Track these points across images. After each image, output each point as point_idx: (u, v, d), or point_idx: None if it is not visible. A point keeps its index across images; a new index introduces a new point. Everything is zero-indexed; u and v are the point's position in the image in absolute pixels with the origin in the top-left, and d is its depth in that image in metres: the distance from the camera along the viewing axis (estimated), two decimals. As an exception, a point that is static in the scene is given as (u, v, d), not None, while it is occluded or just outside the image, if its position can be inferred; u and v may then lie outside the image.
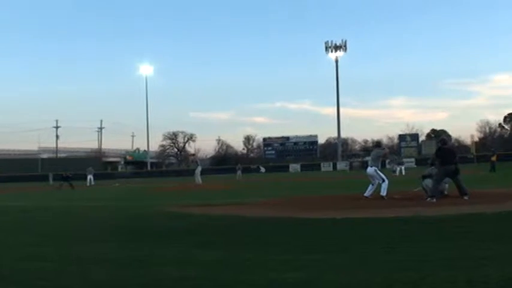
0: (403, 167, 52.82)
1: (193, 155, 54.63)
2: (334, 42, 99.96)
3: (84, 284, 6.83)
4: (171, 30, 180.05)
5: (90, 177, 56.22)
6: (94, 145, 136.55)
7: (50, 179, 60.28)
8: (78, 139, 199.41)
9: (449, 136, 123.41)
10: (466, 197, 17.09)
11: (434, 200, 16.83)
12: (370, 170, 19.55)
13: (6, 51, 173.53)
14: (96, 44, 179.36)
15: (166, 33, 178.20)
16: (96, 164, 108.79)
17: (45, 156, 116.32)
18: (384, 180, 18.87)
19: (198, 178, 39.82)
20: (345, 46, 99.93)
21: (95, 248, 9.90)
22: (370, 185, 19.29)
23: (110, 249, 9.78)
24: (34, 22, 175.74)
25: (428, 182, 18.10)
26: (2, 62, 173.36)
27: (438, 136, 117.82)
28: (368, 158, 20.95)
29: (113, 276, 7.15)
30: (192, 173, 47.63)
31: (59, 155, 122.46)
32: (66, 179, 49.26)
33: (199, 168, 40.83)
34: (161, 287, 6.54)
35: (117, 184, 55.52)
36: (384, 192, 18.63)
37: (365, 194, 19.10)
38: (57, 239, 11.72)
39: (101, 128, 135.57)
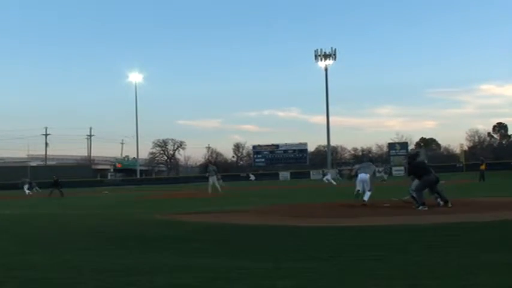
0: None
1: (211, 162, 54.26)
2: (323, 51, 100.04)
3: None
4: (160, 38, 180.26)
5: (26, 186, 55.54)
6: (83, 152, 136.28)
7: (25, 187, 57.19)
8: (68, 147, 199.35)
9: (438, 145, 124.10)
10: (449, 205, 17.39)
11: (426, 208, 16.91)
12: (365, 176, 20.21)
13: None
14: (86, 51, 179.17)
15: (156, 41, 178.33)
16: (86, 172, 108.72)
17: (34, 164, 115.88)
18: (370, 190, 19.66)
19: (216, 185, 39.25)
20: (335, 55, 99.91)
21: (83, 256, 9.83)
22: (361, 190, 20.02)
23: (99, 257, 9.72)
24: (23, 29, 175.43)
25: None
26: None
27: (427, 145, 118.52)
28: (357, 166, 21.23)
29: (102, 284, 7.13)
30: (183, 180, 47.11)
31: (48, 162, 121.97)
32: (56, 184, 48.98)
33: (214, 178, 40.08)
34: None
35: (106, 192, 55.35)
36: (367, 198, 19.39)
37: (365, 198, 19.58)
38: (44, 247, 11.63)
39: (90, 136, 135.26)
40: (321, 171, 59.71)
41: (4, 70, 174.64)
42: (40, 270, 8.42)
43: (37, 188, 66.54)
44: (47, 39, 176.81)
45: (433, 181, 17.90)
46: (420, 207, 17.04)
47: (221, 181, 65.63)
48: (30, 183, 55.61)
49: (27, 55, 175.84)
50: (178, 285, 6.87)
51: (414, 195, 17.75)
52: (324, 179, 54.28)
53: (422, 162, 19.15)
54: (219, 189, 37.83)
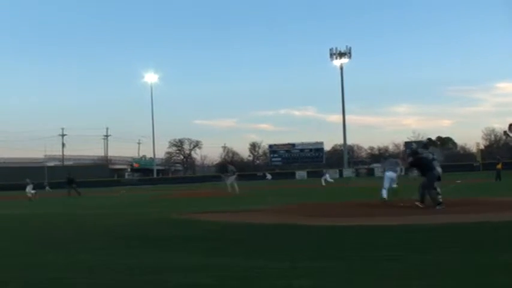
0: None
1: (230, 163, 54.23)
2: (338, 49, 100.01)
3: None
4: (176, 38, 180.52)
5: (30, 187, 55.42)
6: (100, 153, 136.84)
7: (28, 188, 54.55)
8: (85, 147, 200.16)
9: (454, 144, 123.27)
10: (421, 205, 17.44)
11: (444, 206, 16.82)
12: (392, 174, 20.59)
13: (11, 59, 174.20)
14: (102, 52, 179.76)
15: (171, 41, 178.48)
16: (103, 172, 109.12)
17: (51, 164, 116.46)
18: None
19: (234, 185, 39.19)
20: (350, 53, 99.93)
21: (98, 255, 9.91)
22: (384, 189, 19.99)
23: (114, 256, 9.78)
24: (39, 30, 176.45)
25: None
26: (8, 71, 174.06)
27: (444, 144, 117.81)
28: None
29: (120, 284, 7.16)
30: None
31: (65, 162, 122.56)
32: (71, 182, 49.06)
33: (233, 177, 40.03)
34: None
35: (123, 191, 55.51)
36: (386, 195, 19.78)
37: (384, 197, 19.88)
38: (58, 246, 11.70)
39: (107, 136, 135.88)
40: (323, 171, 59.32)
41: (21, 71, 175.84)
42: (52, 270, 8.48)
43: (49, 188, 66.88)
44: (63, 40, 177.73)
45: (438, 175, 17.90)
46: (438, 207, 16.96)
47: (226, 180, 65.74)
48: (33, 184, 55.59)
49: (44, 56, 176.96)
50: (194, 284, 6.88)
51: (430, 194, 17.67)
52: (322, 179, 53.75)
53: (426, 158, 18.89)
54: (237, 189, 37.83)
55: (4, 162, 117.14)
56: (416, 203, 17.41)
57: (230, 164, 47.89)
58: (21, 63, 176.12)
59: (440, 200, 17.30)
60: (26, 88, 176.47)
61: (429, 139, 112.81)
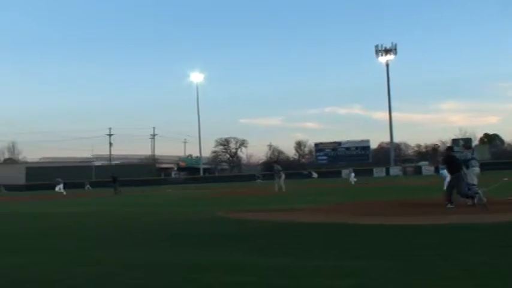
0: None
1: (277, 162, 54.65)
2: (384, 46, 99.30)
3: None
4: (221, 38, 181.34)
5: (60, 186, 55.92)
6: (147, 152, 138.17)
7: (59, 187, 56.36)
8: (132, 146, 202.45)
9: (502, 140, 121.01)
10: (451, 205, 17.07)
11: (454, 206, 16.69)
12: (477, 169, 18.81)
13: (60, 61, 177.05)
14: (148, 52, 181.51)
15: (216, 41, 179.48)
16: (150, 171, 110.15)
17: (98, 163, 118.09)
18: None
19: (281, 184, 39.31)
20: (395, 49, 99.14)
21: (147, 253, 9.99)
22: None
23: (163, 254, 9.86)
24: (86, 32, 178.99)
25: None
26: (56, 72, 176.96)
27: (491, 141, 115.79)
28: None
29: (166, 282, 7.19)
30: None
31: (112, 162, 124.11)
32: (114, 181, 49.67)
33: (281, 176, 40.18)
34: None
35: (170, 190, 55.93)
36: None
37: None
38: (109, 244, 11.89)
39: (153, 135, 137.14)
40: (348, 170, 58.99)
41: (69, 72, 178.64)
42: (105, 266, 8.58)
43: (89, 187, 67.71)
44: (110, 41, 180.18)
45: (460, 178, 17.58)
46: (448, 205, 16.79)
47: (260, 180, 65.97)
48: (64, 183, 56.32)
49: (92, 57, 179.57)
50: (237, 283, 6.90)
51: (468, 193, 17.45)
52: (349, 176, 53.72)
53: (455, 156, 18.51)
54: (283, 188, 37.84)
55: (53, 162, 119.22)
56: (447, 204, 17.13)
57: (276, 163, 48.00)
58: (69, 65, 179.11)
59: (484, 199, 17.05)
60: (74, 89, 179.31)
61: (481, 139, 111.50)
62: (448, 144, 20.97)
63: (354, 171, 71.21)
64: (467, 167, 17.91)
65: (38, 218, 21.74)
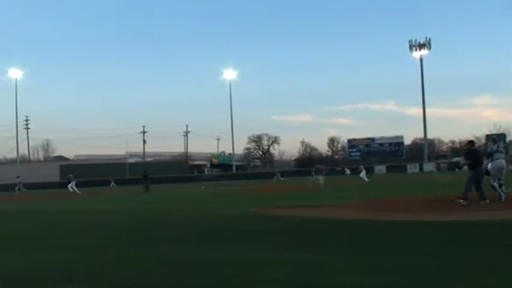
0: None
1: (320, 162, 54.41)
2: (418, 41, 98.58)
3: (168, 285, 6.93)
4: (254, 35, 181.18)
5: (73, 183, 55.31)
6: (180, 149, 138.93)
7: (71, 184, 54.21)
8: (165, 143, 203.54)
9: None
10: (485, 201, 16.82)
11: (468, 203, 16.47)
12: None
13: (94, 59, 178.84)
14: (181, 49, 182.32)
15: (249, 38, 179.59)
16: (183, 168, 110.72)
17: (132, 160, 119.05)
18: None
19: (320, 181, 39.55)
20: (429, 44, 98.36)
21: (179, 250, 10.07)
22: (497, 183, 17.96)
23: (194, 250, 9.92)
24: (119, 29, 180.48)
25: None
26: (90, 70, 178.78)
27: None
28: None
29: (197, 278, 7.22)
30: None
31: (146, 159, 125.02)
32: (146, 178, 49.86)
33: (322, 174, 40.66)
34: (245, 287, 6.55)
35: (203, 187, 56.19)
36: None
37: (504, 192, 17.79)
38: (140, 240, 11.97)
39: (186, 132, 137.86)
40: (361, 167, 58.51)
41: (102, 70, 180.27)
42: (136, 262, 8.67)
43: (114, 184, 68.13)
44: (143, 40, 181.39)
45: (483, 173, 17.47)
46: (461, 201, 16.65)
47: (278, 175, 65.92)
48: (76, 180, 55.97)
49: (125, 55, 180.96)
50: (274, 279, 6.87)
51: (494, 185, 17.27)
52: (363, 176, 53.45)
53: (478, 151, 18.22)
54: (321, 185, 38.03)
55: (87, 160, 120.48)
56: (481, 200, 16.94)
57: (320, 164, 48.16)
58: (103, 62, 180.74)
59: (502, 194, 16.85)
60: (109, 87, 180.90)
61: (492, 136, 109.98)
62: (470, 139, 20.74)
63: (388, 167, 71.08)
64: (492, 160, 17.77)
65: (65, 216, 22.02)
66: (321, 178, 39.78)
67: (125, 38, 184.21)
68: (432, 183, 38.16)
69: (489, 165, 18.02)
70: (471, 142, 19.00)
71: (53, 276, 7.75)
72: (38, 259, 9.55)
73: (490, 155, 18.08)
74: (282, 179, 65.60)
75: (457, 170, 18.21)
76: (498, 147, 18.29)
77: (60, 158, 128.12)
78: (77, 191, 50.35)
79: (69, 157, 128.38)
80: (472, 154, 17.83)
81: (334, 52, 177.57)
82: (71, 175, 55.54)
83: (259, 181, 70.60)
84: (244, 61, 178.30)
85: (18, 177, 63.36)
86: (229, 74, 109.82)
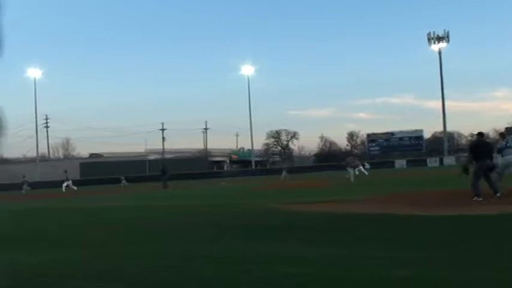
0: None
1: (352, 154, 54.34)
2: (436, 34, 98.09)
3: (194, 281, 6.99)
4: (271, 30, 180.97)
5: (68, 183, 55.80)
6: (200, 145, 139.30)
7: (66, 183, 55.48)
8: (184, 140, 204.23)
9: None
10: (498, 195, 16.70)
11: (481, 199, 16.32)
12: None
13: (115, 56, 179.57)
14: (199, 46, 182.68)
15: (266, 33, 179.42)
16: (203, 164, 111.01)
17: (152, 157, 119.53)
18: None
19: (352, 174, 39.67)
20: (448, 37, 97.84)
21: (202, 246, 10.13)
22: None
23: (218, 246, 9.99)
24: (142, 26, 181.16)
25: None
26: (109, 67, 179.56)
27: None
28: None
29: (222, 274, 7.31)
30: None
31: (165, 156, 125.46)
32: (164, 173, 49.96)
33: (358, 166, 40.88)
34: (269, 284, 6.60)
35: (223, 183, 56.31)
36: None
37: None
38: (164, 236, 12.16)
39: (205, 129, 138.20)
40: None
41: (122, 67, 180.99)
42: (153, 259, 8.76)
43: (125, 182, 68.32)
44: (159, 36, 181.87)
45: (490, 166, 17.30)
46: (475, 198, 16.52)
47: (285, 172, 65.74)
48: (71, 180, 55.84)
49: (142, 51, 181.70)
50: (295, 274, 6.95)
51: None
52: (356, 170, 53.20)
53: (480, 143, 17.96)
54: (352, 179, 38.07)
55: (106, 157, 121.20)
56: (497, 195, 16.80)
57: (352, 155, 48.04)
58: (121, 60, 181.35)
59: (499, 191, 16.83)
60: (127, 84, 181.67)
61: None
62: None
63: (408, 162, 70.62)
64: (502, 156, 17.69)
65: (87, 213, 22.12)
66: (352, 171, 39.65)
67: (142, 35, 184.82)
68: (451, 177, 37.98)
69: (499, 161, 17.95)
70: (480, 134, 18.76)
71: (67, 273, 7.91)
72: (57, 256, 9.69)
73: (500, 151, 17.97)
74: (287, 175, 65.31)
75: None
76: (507, 142, 18.10)
77: (96, 155, 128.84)
78: (73, 187, 52.61)
79: (85, 155, 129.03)
80: (473, 146, 17.74)
81: (352, 46, 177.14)
82: (66, 173, 56.79)
83: (279, 176, 70.51)
84: (262, 56, 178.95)
85: (24, 176, 63.81)
86: (247, 70, 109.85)
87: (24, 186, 59.05)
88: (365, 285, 6.30)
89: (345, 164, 43.05)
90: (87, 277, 7.57)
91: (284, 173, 65.71)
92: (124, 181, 69.23)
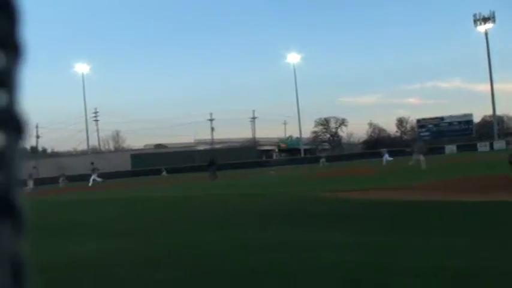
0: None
1: (419, 139, 53.93)
2: (482, 15, 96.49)
3: (246, 269, 7.17)
4: (318, 18, 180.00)
5: (62, 179, 55.47)
6: (248, 135, 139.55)
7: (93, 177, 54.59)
8: (232, 130, 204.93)
9: None
10: None
11: None
12: None
13: (159, 47, 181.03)
14: (244, 33, 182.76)
15: (312, 20, 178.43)
16: (252, 153, 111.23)
17: (201, 148, 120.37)
18: None
19: (421, 159, 39.33)
20: (494, 17, 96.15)
21: (251, 234, 10.36)
22: None
23: (267, 234, 10.18)
24: (184, 17, 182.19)
25: None
26: (156, 60, 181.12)
27: None
28: None
29: (272, 261, 7.46)
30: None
31: (214, 146, 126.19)
32: (211, 164, 50.12)
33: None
34: (320, 271, 6.71)
35: (272, 172, 56.40)
36: None
37: None
38: (212, 225, 12.45)
39: (253, 118, 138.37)
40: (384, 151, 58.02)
41: (168, 59, 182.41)
42: (204, 247, 9.08)
43: (165, 173, 68.63)
44: (206, 25, 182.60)
45: None
46: None
47: (323, 160, 65.47)
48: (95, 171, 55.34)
49: (189, 42, 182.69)
50: (345, 261, 7.10)
51: None
52: (383, 159, 53.23)
53: None
54: (422, 165, 37.57)
55: (156, 148, 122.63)
56: None
57: (418, 140, 47.86)
58: (168, 51, 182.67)
59: None
60: (174, 75, 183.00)
61: None
62: None
63: (458, 147, 69.70)
64: None
65: (138, 203, 22.45)
66: (421, 157, 39.06)
67: (188, 26, 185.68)
68: (501, 162, 37.49)
69: None
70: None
71: (127, 260, 8.25)
72: (113, 245, 10.04)
73: None
74: (326, 163, 65.30)
75: None
76: None
77: (160, 145, 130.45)
78: (98, 180, 51.75)
79: (138, 147, 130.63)
80: None
81: (399, 31, 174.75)
82: (94, 165, 55.85)
83: (328, 164, 70.33)
84: (308, 44, 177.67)
85: (61, 168, 63.43)
86: (293, 58, 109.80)
87: (61, 180, 58.92)
88: (415, 274, 6.31)
89: (414, 149, 42.30)
90: (141, 265, 7.88)
91: (322, 160, 65.66)
92: (164, 172, 69.86)
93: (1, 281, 0.50)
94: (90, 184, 51.26)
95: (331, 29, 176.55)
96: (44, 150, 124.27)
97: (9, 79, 0.49)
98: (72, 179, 62.89)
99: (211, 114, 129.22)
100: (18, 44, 0.44)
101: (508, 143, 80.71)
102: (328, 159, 73.26)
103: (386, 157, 54.47)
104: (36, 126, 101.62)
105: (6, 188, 0.50)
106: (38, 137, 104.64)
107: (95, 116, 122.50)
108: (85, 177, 58.26)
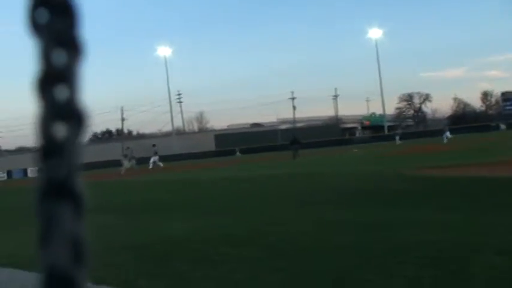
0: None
1: None
2: None
3: (328, 247, 7.25)
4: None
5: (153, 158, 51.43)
6: (330, 113, 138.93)
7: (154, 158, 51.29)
8: (314, 108, 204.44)
9: None
10: None
11: None
12: None
13: (240, 27, 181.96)
14: (326, 11, 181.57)
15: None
16: (334, 131, 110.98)
17: (283, 127, 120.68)
18: None
19: None
20: None
21: (336, 212, 10.45)
22: None
23: (352, 212, 10.24)
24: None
25: None
26: (237, 40, 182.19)
27: None
28: None
29: (357, 239, 7.54)
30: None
31: (296, 125, 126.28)
32: (294, 143, 49.94)
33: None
34: (406, 249, 6.69)
35: (355, 150, 56.07)
36: None
37: None
38: (293, 204, 12.66)
39: (336, 96, 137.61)
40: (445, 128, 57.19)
41: (249, 39, 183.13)
42: (288, 225, 9.30)
43: (239, 153, 68.96)
44: (285, 2, 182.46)
45: None
46: None
47: (397, 138, 64.38)
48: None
49: (269, 21, 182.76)
50: (431, 241, 7.05)
51: None
52: (444, 137, 52.26)
53: None
54: None
55: (239, 128, 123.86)
56: None
57: None
58: (248, 31, 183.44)
59: None
60: (255, 55, 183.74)
61: None
62: None
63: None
64: None
65: (224, 183, 22.72)
66: None
67: (269, 3, 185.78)
68: None
69: None
70: None
71: (213, 238, 8.54)
72: (200, 224, 10.40)
73: None
74: (400, 141, 64.68)
75: None
76: None
77: (257, 124, 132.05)
78: (159, 164, 49.71)
79: (222, 127, 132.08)
80: None
81: (479, 2, 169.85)
82: (155, 148, 52.65)
83: (412, 141, 69.36)
84: (390, 19, 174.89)
85: (128, 147, 58.70)
86: (375, 33, 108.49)
87: (127, 161, 52.77)
88: (498, 252, 6.20)
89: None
90: (230, 242, 8.16)
91: (397, 138, 65.08)
92: (238, 152, 70.64)
93: (63, 261, 0.54)
94: (150, 167, 49.91)
95: (412, 4, 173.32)
96: (130, 132, 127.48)
97: (70, 75, 0.58)
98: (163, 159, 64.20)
99: (292, 93, 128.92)
100: (78, 42, 0.51)
101: None
102: (405, 136, 72.33)
103: (447, 135, 53.93)
104: (122, 109, 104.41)
105: (68, 175, 0.55)
106: (123, 119, 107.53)
107: (179, 98, 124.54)
108: (165, 158, 59.10)
